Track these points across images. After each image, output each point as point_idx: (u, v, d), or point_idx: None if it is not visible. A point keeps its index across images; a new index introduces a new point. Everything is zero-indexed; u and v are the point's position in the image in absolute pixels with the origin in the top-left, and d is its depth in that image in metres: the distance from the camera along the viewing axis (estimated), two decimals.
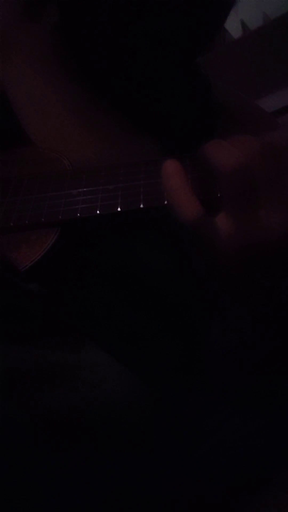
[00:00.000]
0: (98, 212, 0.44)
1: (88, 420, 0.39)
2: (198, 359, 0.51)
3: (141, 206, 0.43)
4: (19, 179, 0.49)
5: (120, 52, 0.51)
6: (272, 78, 1.25)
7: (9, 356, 0.37)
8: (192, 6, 0.49)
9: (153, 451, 0.43)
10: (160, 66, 0.53)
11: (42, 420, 0.37)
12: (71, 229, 0.45)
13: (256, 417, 0.49)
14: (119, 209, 0.44)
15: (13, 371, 0.37)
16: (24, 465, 0.37)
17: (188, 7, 0.48)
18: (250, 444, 0.48)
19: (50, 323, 0.41)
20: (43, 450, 0.37)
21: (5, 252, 0.43)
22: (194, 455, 0.46)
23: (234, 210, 0.39)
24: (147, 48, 0.50)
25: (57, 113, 0.55)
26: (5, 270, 0.39)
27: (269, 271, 0.40)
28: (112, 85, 0.56)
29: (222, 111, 0.62)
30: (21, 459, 0.37)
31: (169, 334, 0.52)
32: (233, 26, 1.30)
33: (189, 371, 0.52)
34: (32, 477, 0.37)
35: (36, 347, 0.39)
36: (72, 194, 0.46)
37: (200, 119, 0.60)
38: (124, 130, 0.57)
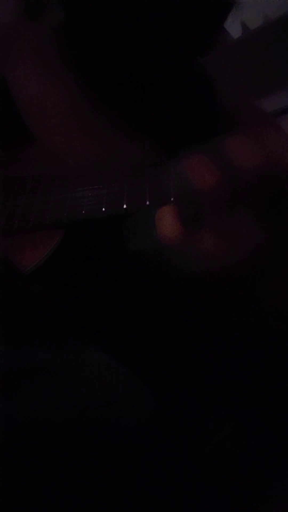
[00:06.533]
0: (103, 211, 0.44)
1: (88, 420, 0.39)
2: (198, 361, 0.51)
3: (147, 203, 0.43)
4: (23, 179, 0.48)
5: (122, 53, 0.51)
6: (272, 78, 1.25)
7: (9, 356, 0.37)
8: (193, 6, 0.49)
9: (153, 452, 0.43)
10: (162, 66, 0.53)
11: (42, 420, 0.37)
12: (75, 230, 0.45)
13: (256, 417, 0.49)
14: (124, 206, 0.44)
15: (13, 371, 0.37)
16: (24, 465, 0.37)
17: (189, 7, 0.48)
18: (250, 445, 0.48)
19: (51, 324, 0.41)
20: (43, 450, 0.37)
21: (9, 254, 0.43)
22: (194, 455, 0.46)
23: (215, 224, 0.39)
24: (148, 47, 0.50)
25: (60, 113, 0.55)
26: (8, 272, 0.39)
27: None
28: (115, 85, 0.56)
29: (224, 113, 0.62)
30: (21, 459, 0.37)
31: (170, 336, 0.52)
32: (233, 26, 1.30)
33: (190, 373, 0.52)
34: (32, 477, 0.37)
35: (37, 347, 0.39)
36: (77, 195, 0.46)
37: (203, 120, 0.60)
38: (127, 131, 0.57)
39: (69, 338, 0.42)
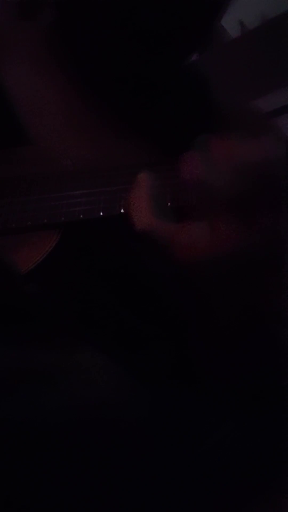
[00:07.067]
0: (100, 214, 0.44)
1: (86, 421, 0.39)
2: (195, 361, 0.51)
3: None
4: (21, 179, 0.48)
5: (117, 52, 0.51)
6: (270, 78, 1.25)
7: (7, 356, 0.37)
8: (187, 3, 0.49)
9: (152, 451, 0.43)
10: (157, 65, 0.53)
11: (40, 421, 0.37)
12: (73, 230, 0.45)
13: (255, 417, 0.49)
14: (122, 210, 0.44)
15: (11, 372, 0.37)
16: (23, 465, 0.37)
17: (183, 5, 0.48)
18: (250, 445, 0.48)
19: (49, 325, 0.41)
20: (42, 451, 0.37)
21: (6, 254, 0.43)
22: (193, 455, 0.46)
23: (213, 219, 0.38)
24: (142, 46, 0.50)
25: (56, 113, 0.56)
26: (4, 272, 0.39)
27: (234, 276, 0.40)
28: (110, 85, 0.56)
29: (221, 112, 0.62)
30: (20, 459, 0.37)
31: (167, 336, 0.52)
32: (231, 25, 1.30)
33: (187, 373, 0.52)
34: (31, 478, 0.37)
35: (34, 348, 0.39)
36: (74, 196, 0.46)
37: (198, 121, 0.60)
38: (123, 131, 0.57)
39: (66, 339, 0.42)
